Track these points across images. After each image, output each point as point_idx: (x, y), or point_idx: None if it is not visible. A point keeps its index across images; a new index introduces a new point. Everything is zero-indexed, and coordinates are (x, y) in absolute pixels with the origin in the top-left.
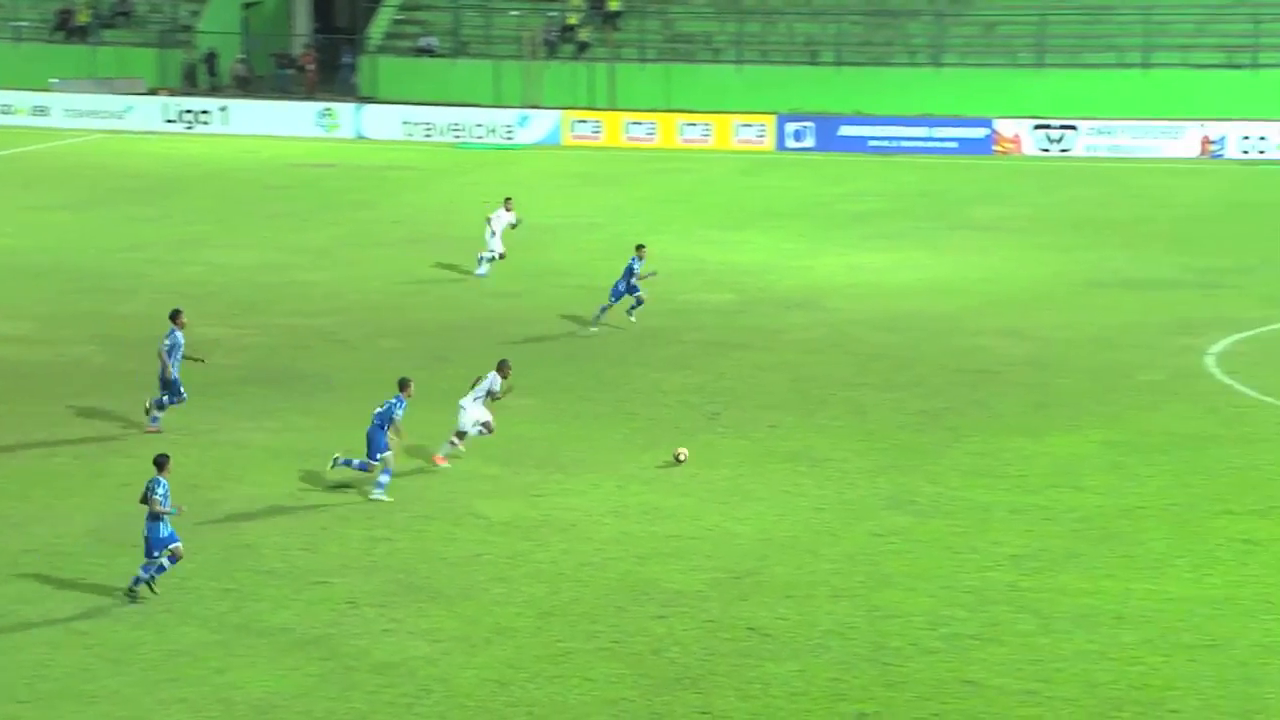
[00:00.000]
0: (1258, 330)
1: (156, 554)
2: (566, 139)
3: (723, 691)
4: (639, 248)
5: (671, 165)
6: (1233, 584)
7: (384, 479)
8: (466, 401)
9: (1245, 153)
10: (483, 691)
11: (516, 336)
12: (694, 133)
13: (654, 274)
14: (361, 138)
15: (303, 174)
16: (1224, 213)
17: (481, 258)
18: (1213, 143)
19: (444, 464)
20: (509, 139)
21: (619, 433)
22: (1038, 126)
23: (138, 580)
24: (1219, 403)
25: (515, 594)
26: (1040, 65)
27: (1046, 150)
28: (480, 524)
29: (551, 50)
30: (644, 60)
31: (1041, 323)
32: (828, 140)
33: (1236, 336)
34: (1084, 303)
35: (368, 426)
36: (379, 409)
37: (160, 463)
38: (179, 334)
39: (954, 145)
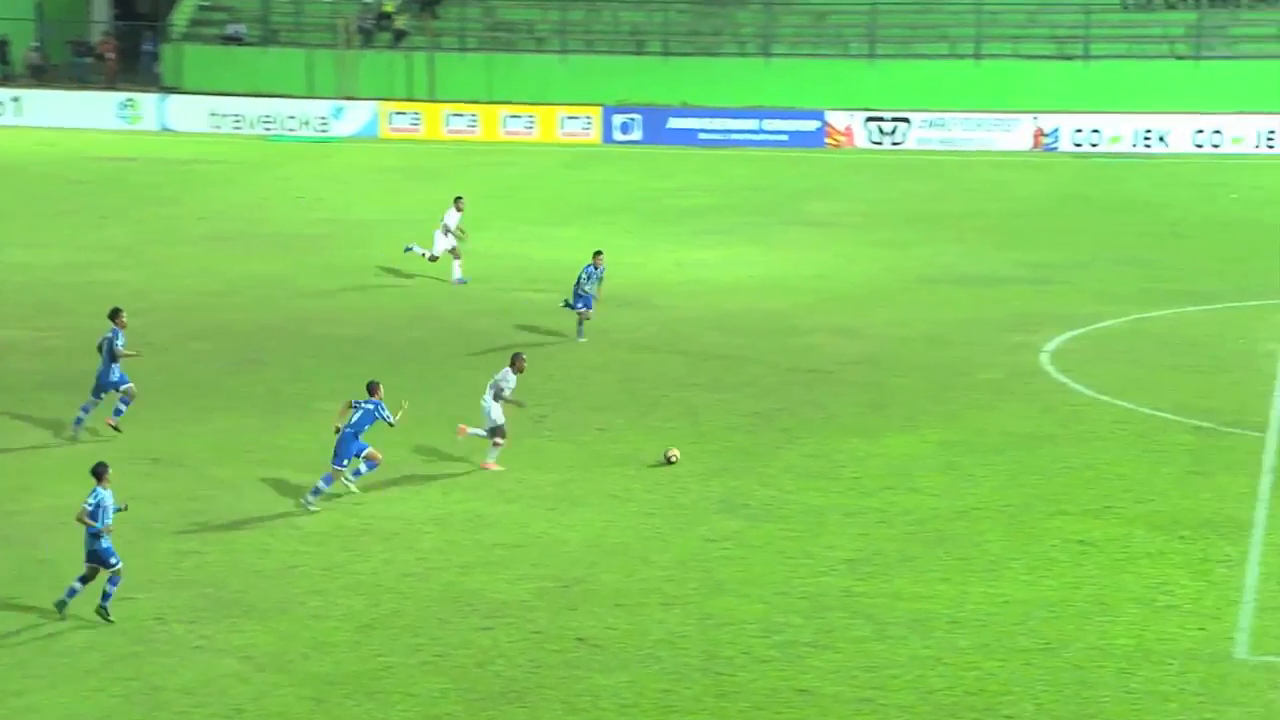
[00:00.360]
0: (1091, 327)
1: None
2: (384, 131)
3: (550, 705)
4: (596, 254)
5: (494, 159)
6: (1068, 585)
7: (364, 469)
8: (487, 400)
9: (1078, 145)
10: (299, 710)
11: (332, 337)
12: (517, 125)
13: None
14: (166, 130)
15: (103, 168)
16: (1057, 206)
17: (424, 253)
18: (1046, 135)
19: (496, 468)
20: (323, 131)
21: (442, 437)
22: (870, 119)
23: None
24: (1054, 401)
25: (333, 607)
26: (872, 56)
27: (879, 143)
28: (295, 534)
29: (367, 39)
30: (464, 49)
31: (875, 320)
32: (656, 133)
33: (1070, 333)
34: (918, 300)
35: (339, 437)
36: (354, 419)
37: (98, 473)
38: (120, 333)
39: (785, 138)
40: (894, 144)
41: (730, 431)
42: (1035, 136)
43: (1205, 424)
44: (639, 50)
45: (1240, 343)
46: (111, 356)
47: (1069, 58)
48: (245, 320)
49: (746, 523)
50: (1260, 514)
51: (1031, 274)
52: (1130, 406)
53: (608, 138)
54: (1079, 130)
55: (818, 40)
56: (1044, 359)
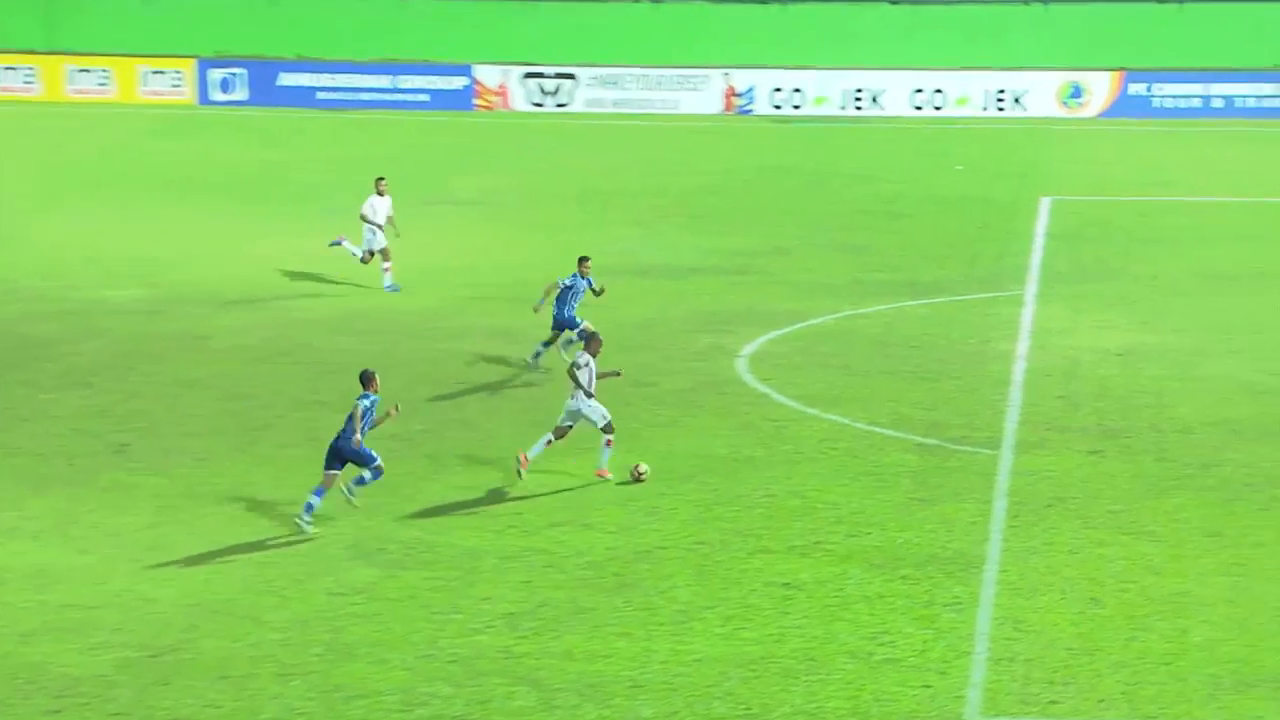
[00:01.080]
0: (794, 326)
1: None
2: None
3: None
4: (583, 261)
5: (58, 124)
6: (771, 638)
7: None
8: (580, 399)
9: (777, 107)
10: None
11: None
12: (87, 81)
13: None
14: None
15: None
16: (753, 181)
17: (356, 253)
18: (739, 95)
19: (609, 475)
20: None
21: None
22: (528, 75)
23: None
24: (754, 416)
25: None
26: None
27: (540, 105)
28: None
29: None
30: None
31: (537, 320)
32: (265, 92)
33: (771, 334)
34: (587, 295)
35: (338, 440)
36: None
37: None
38: None
39: (425, 99)
40: (558, 106)
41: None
42: (727, 96)
43: (929, 441)
44: None
45: (969, 343)
46: None
47: (766, 1)
48: None
49: (383, 571)
50: (993, 547)
51: (724, 263)
52: (842, 421)
53: (204, 98)
54: (778, 90)
55: None
56: (740, 365)
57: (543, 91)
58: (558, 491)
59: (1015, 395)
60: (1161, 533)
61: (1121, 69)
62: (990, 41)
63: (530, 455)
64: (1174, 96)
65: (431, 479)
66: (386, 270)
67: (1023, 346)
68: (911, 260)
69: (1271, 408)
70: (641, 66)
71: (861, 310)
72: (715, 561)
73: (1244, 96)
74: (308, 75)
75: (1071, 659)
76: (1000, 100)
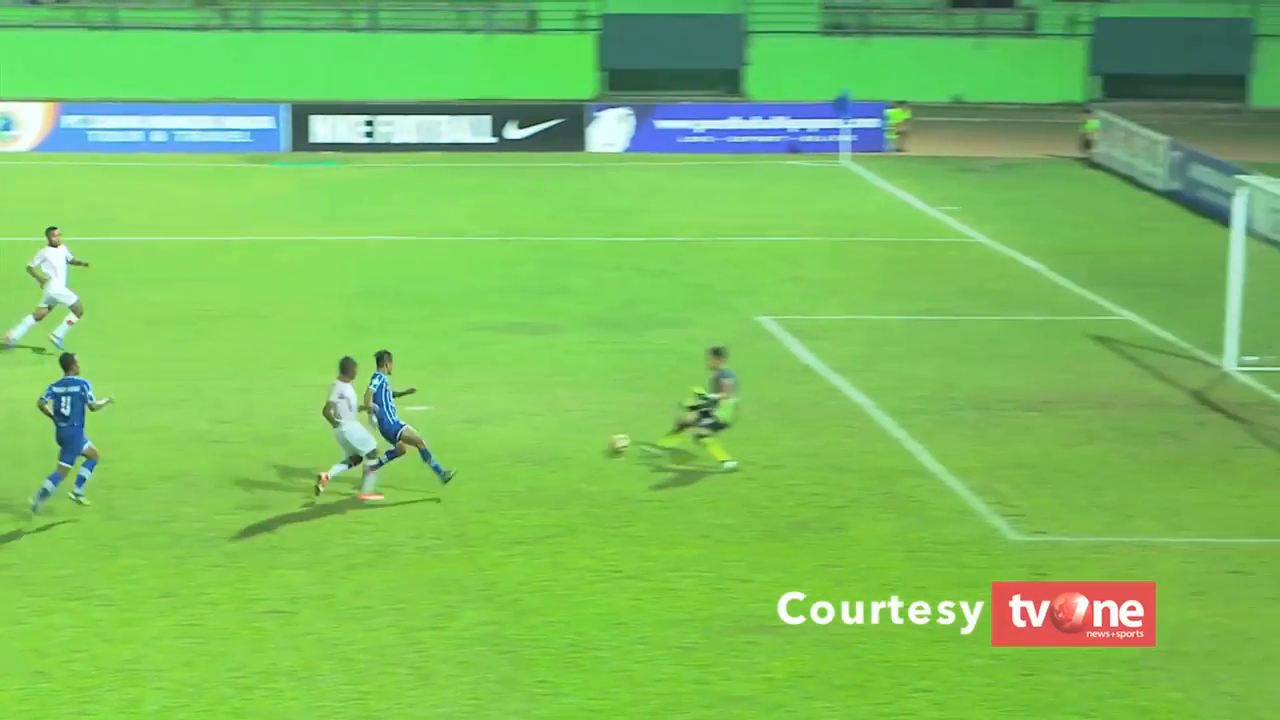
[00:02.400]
0: None
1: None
2: None
3: None
4: (382, 358)
5: None
6: None
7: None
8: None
9: None
10: None
11: None
12: None
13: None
14: None
15: None
16: None
17: (39, 314)
18: None
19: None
20: None
21: None
22: None
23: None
24: None
25: None
26: None
27: None
28: None
29: None
30: None
31: None
32: None
33: None
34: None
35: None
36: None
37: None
38: None
39: None
40: None
41: None
42: None
43: None
44: None
45: None
46: None
47: None
48: None
49: None
50: None
51: None
52: None
53: None
54: None
55: None
56: None
57: None
58: None
59: None
60: (113, 596)
61: (56, 100)
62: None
63: (330, 475)
64: (112, 130)
65: None
66: (27, 320)
67: None
68: None
69: (223, 458)
70: None
71: None
72: None
73: (185, 130)
74: None
75: None
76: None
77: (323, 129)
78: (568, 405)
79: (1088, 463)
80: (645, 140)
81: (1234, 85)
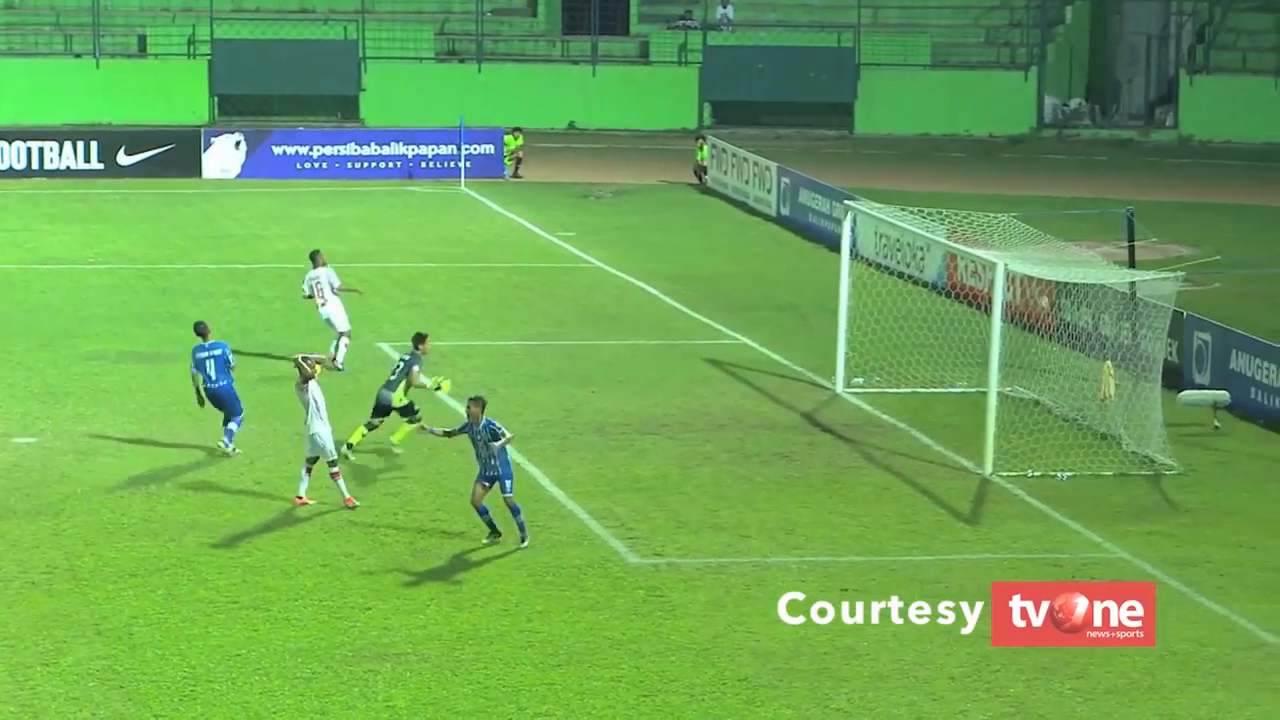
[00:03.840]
0: None
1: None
2: None
3: None
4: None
5: None
6: None
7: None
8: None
9: None
10: None
11: None
12: None
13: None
14: None
15: None
16: None
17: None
18: None
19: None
20: None
21: None
22: None
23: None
24: None
25: None
26: None
27: None
28: None
29: None
30: None
31: None
32: None
33: None
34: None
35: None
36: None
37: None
38: None
39: None
40: None
41: None
42: None
43: None
44: None
45: None
46: None
47: None
48: None
49: None
50: None
51: None
52: None
53: None
54: None
55: None
56: None
57: None
58: None
59: None
60: None
61: None
62: None
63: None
64: None
65: None
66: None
67: None
68: None
69: None
70: None
71: None
72: None
73: None
74: None
75: None
76: None
77: None
78: (183, 436)
79: (703, 484)
80: (261, 166)
81: (841, 113)
